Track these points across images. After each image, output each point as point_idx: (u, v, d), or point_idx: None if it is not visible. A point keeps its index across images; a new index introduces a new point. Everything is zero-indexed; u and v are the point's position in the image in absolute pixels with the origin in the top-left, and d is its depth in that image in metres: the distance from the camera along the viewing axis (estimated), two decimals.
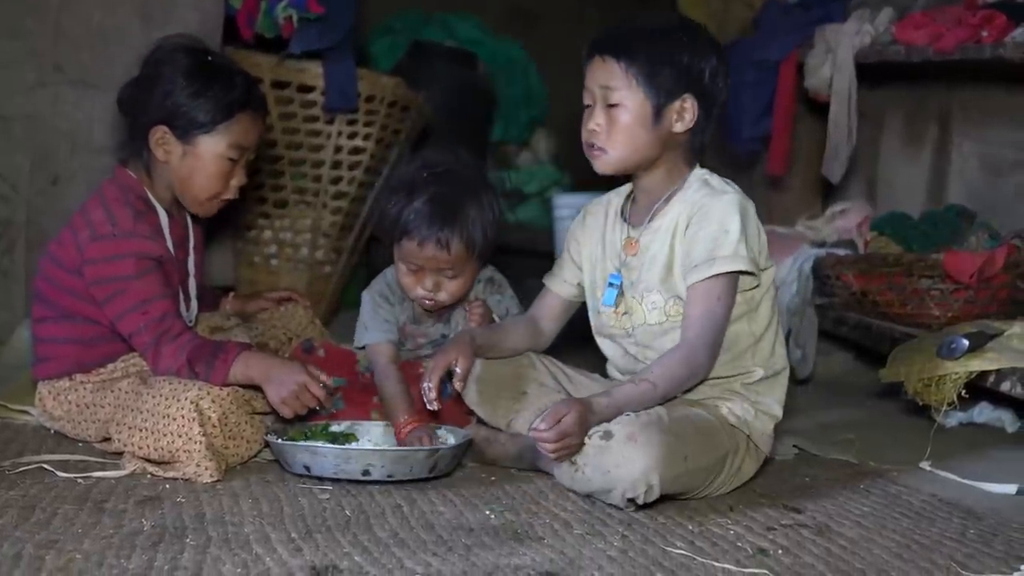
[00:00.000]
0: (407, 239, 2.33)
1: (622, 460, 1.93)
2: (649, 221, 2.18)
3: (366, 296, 2.48)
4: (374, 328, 2.43)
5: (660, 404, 2.05)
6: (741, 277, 2.09)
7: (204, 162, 2.33)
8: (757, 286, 2.14)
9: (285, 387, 2.18)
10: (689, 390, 2.11)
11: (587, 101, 2.17)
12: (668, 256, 2.13)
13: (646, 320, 2.17)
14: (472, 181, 2.38)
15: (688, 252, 2.10)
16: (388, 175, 2.43)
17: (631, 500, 1.95)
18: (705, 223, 2.09)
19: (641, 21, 2.16)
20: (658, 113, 2.11)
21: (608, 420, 1.99)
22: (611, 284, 2.21)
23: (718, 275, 2.06)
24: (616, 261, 2.22)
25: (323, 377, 2.23)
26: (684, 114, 2.12)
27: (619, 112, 2.11)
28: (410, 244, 2.33)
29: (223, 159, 2.34)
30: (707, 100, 2.13)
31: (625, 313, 2.19)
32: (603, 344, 2.27)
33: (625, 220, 2.23)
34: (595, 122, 2.13)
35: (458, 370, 2.19)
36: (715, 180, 2.16)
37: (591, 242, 2.29)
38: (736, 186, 2.16)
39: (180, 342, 2.21)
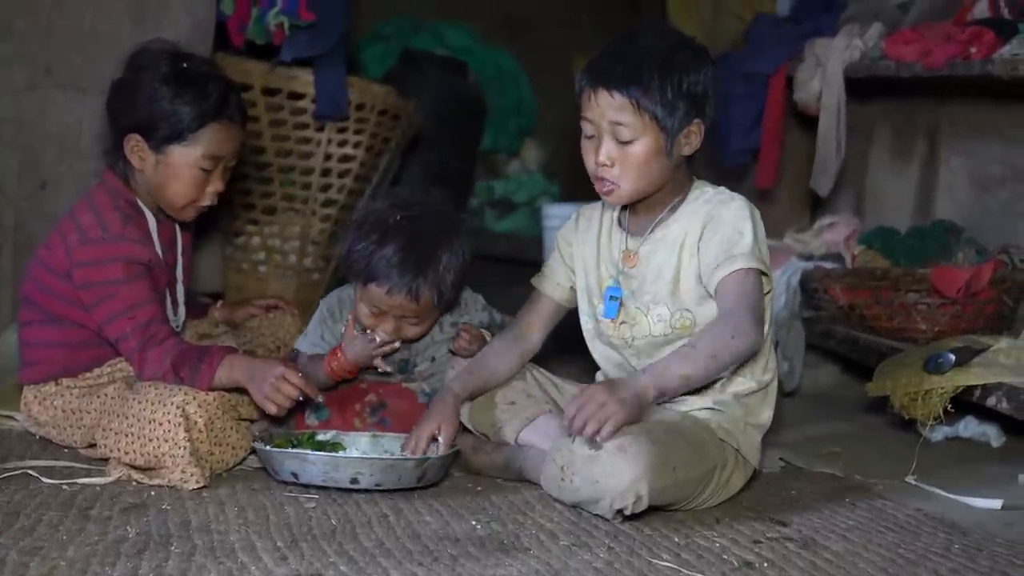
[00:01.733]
0: (375, 285, 2.28)
1: (611, 470, 1.92)
2: (651, 232, 2.17)
3: (320, 304, 2.48)
4: (310, 340, 2.44)
5: (708, 368, 2.00)
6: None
7: (177, 171, 2.32)
8: (768, 291, 2.13)
9: (266, 382, 2.17)
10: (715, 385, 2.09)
11: (589, 132, 2.10)
12: (676, 268, 2.13)
13: (650, 332, 2.15)
14: (445, 225, 2.33)
15: (704, 259, 2.09)
16: (359, 212, 2.34)
17: (619, 511, 1.95)
18: (719, 229, 2.09)
19: (642, 44, 2.09)
20: (670, 143, 2.08)
21: (644, 390, 1.96)
22: (612, 297, 2.19)
23: (748, 270, 2.05)
24: (612, 270, 2.21)
25: (296, 377, 2.18)
26: (692, 138, 2.11)
27: (632, 148, 2.07)
28: (378, 291, 2.28)
29: (196, 169, 2.32)
30: (708, 117, 2.12)
31: (624, 323, 2.18)
32: (597, 349, 2.26)
33: (623, 229, 2.22)
34: (605, 156, 2.08)
35: (441, 438, 2.17)
36: (719, 190, 2.16)
37: (584, 245, 2.27)
38: (737, 193, 2.16)
39: (165, 347, 2.20)
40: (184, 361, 2.18)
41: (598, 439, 1.93)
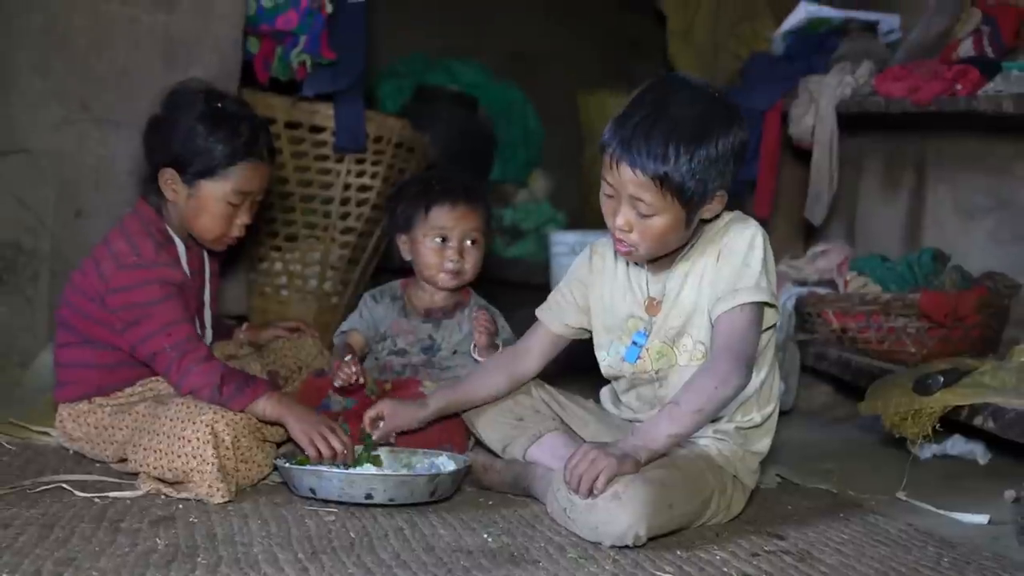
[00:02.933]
0: (437, 206, 2.51)
1: (608, 518, 1.89)
2: (672, 268, 2.10)
3: (362, 297, 2.65)
4: (350, 321, 2.59)
5: (695, 421, 1.96)
6: (764, 315, 2.04)
7: (207, 205, 2.34)
8: (773, 326, 2.08)
9: (312, 427, 2.17)
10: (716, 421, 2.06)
11: (608, 192, 2.01)
12: (695, 301, 2.07)
13: (676, 362, 2.10)
14: (473, 178, 2.64)
15: (714, 286, 2.04)
16: (395, 191, 2.69)
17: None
18: (729, 260, 2.04)
19: (672, 115, 1.94)
20: (691, 215, 2.00)
21: (635, 452, 1.93)
22: (635, 343, 2.13)
23: (743, 305, 2.00)
24: (638, 310, 2.14)
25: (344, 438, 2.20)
26: (714, 206, 2.02)
27: (651, 221, 1.98)
28: (440, 209, 2.50)
29: (224, 204, 2.34)
30: (732, 178, 2.00)
31: (639, 359, 2.13)
32: (618, 385, 2.21)
33: (642, 267, 2.13)
34: (623, 221, 1.99)
35: (381, 426, 2.24)
36: (734, 218, 2.09)
37: (602, 287, 2.19)
38: (752, 219, 2.09)
39: (213, 364, 2.21)
40: (231, 379, 2.19)
41: (595, 492, 1.90)
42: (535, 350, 2.28)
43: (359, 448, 2.23)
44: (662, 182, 1.95)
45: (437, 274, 2.52)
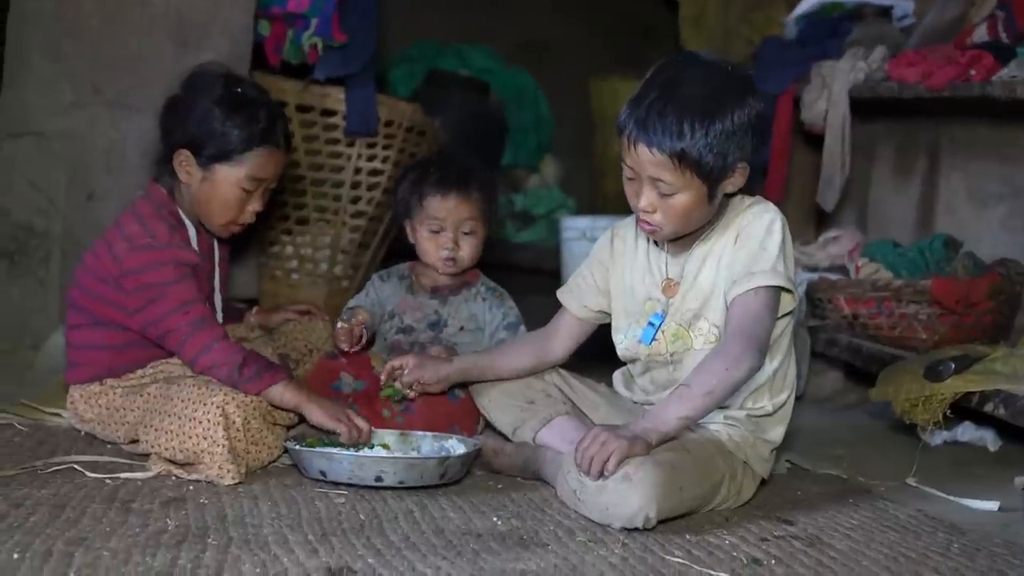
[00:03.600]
0: (430, 195, 2.50)
1: (618, 499, 1.88)
2: (691, 250, 2.10)
3: (371, 278, 2.67)
4: (355, 300, 2.61)
5: (706, 404, 1.95)
6: (781, 301, 2.02)
7: (220, 189, 2.34)
8: (790, 313, 2.06)
9: (331, 409, 2.19)
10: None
11: (629, 175, 2.02)
12: (712, 283, 2.07)
13: (692, 346, 2.09)
14: (474, 160, 2.61)
15: (730, 269, 2.04)
16: (400, 173, 2.69)
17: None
18: (746, 243, 2.03)
19: (685, 93, 1.94)
20: (713, 192, 2.00)
21: (645, 434, 1.93)
22: (651, 324, 2.12)
23: (758, 288, 1.99)
24: (656, 291, 2.14)
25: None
26: (736, 178, 2.02)
27: (673, 200, 1.99)
28: (433, 198, 2.50)
29: (238, 189, 2.34)
30: (753, 150, 2.00)
31: (655, 340, 2.12)
32: (634, 368, 2.20)
33: (662, 249, 2.13)
34: (647, 204, 2.00)
35: (407, 378, 2.28)
36: (755, 202, 2.08)
37: (622, 270, 2.19)
38: (773, 204, 2.08)
39: (231, 343, 2.22)
40: (252, 361, 2.19)
41: (605, 473, 1.90)
42: (562, 333, 2.29)
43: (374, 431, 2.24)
44: (680, 159, 1.94)
45: (435, 261, 2.54)
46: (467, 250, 2.53)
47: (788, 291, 2.03)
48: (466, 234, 2.53)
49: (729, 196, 2.07)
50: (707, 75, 1.99)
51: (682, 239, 2.10)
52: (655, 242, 2.15)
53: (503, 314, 2.53)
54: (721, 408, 2.07)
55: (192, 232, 2.38)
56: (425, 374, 2.27)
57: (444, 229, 2.51)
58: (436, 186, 2.51)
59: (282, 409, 2.21)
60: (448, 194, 2.50)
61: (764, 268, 2.00)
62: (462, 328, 2.53)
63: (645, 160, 1.97)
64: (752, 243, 2.03)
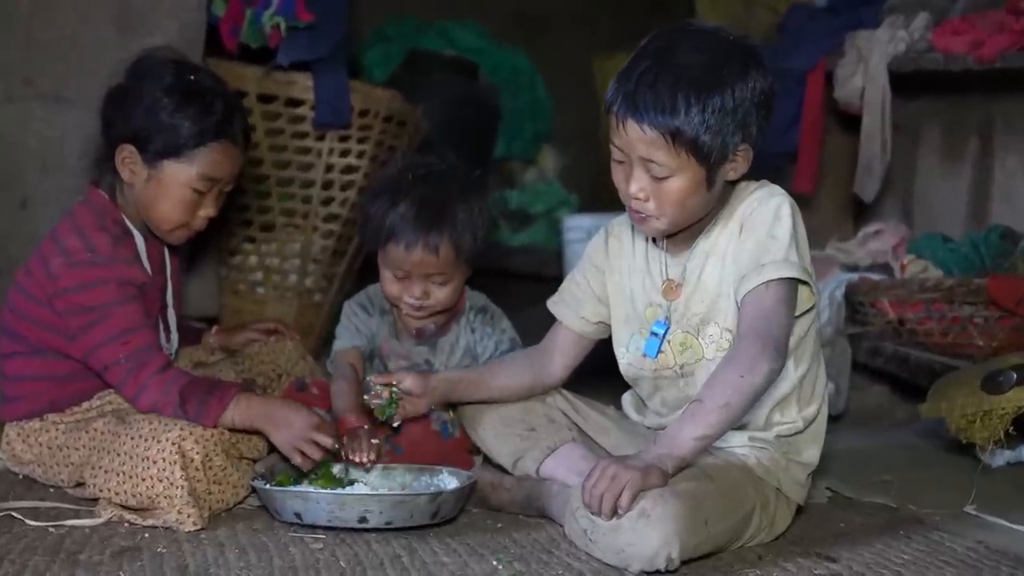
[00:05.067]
0: (393, 244, 2.43)
1: (635, 539, 1.88)
2: (693, 247, 2.11)
3: (345, 306, 2.60)
4: (343, 336, 2.55)
5: (723, 419, 1.95)
6: (798, 295, 2.02)
7: (168, 189, 2.33)
8: (812, 309, 2.06)
9: (295, 431, 2.18)
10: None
11: (618, 158, 2.03)
12: (718, 281, 2.07)
13: (703, 355, 2.10)
14: (458, 182, 2.49)
15: (737, 263, 2.04)
16: (373, 180, 2.62)
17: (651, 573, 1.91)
18: (753, 232, 2.03)
19: (679, 62, 1.95)
20: (711, 176, 2.00)
21: (660, 462, 1.93)
22: (654, 333, 2.13)
23: (770, 282, 1.99)
24: (656, 296, 2.15)
25: (330, 436, 2.20)
26: (738, 163, 2.02)
27: (667, 184, 1.99)
28: (396, 249, 2.43)
29: (188, 189, 2.34)
30: (757, 131, 2.02)
31: (660, 352, 2.13)
32: (641, 387, 2.21)
33: (661, 248, 2.15)
34: (637, 187, 2.01)
35: (400, 387, 2.26)
36: (760, 187, 2.09)
37: (620, 273, 2.20)
38: (780, 188, 2.09)
39: (168, 376, 2.21)
40: (192, 393, 2.19)
41: (619, 511, 1.89)
42: (556, 352, 2.29)
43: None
44: (673, 137, 1.96)
45: (400, 305, 2.50)
46: (438, 298, 2.48)
47: (806, 284, 2.04)
48: (437, 284, 2.47)
49: (732, 184, 2.08)
50: (705, 44, 1.99)
51: (681, 235, 2.11)
52: (653, 240, 2.16)
53: (496, 343, 2.53)
54: (744, 428, 2.07)
55: (140, 242, 2.38)
56: (408, 383, 2.26)
57: (410, 278, 2.47)
58: (399, 234, 2.42)
59: (244, 432, 2.21)
60: (412, 247, 2.42)
61: (775, 259, 2.00)
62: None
63: (635, 138, 1.97)
64: (759, 232, 2.03)
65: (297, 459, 2.18)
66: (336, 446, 2.20)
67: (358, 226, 2.58)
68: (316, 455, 2.18)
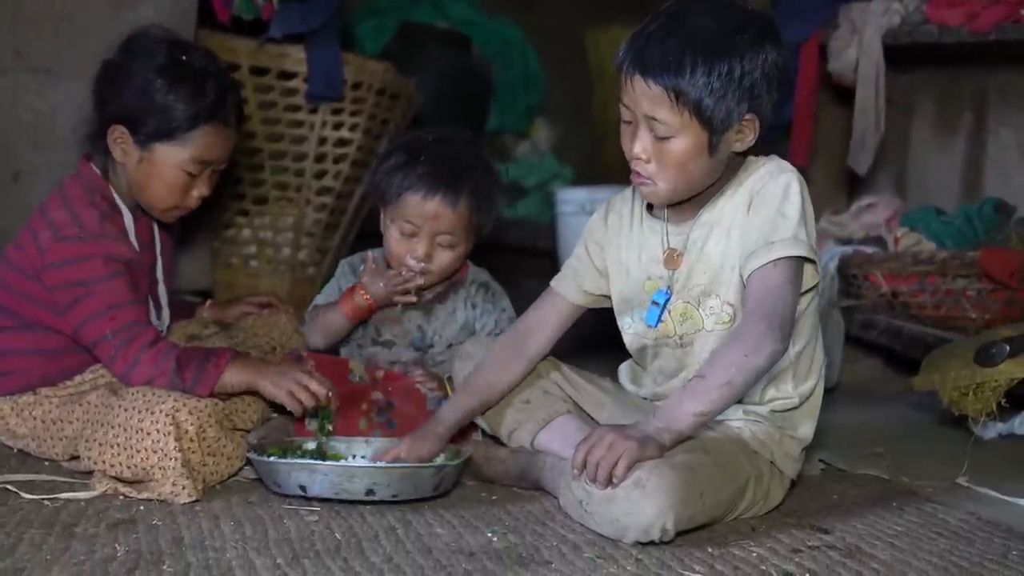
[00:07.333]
0: (411, 193, 2.41)
1: (630, 508, 1.89)
2: (697, 218, 2.10)
3: (340, 264, 2.61)
4: (328, 293, 2.57)
5: (724, 396, 1.95)
6: (804, 273, 2.03)
7: (161, 171, 2.33)
8: (815, 287, 2.07)
9: (287, 378, 2.21)
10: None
11: (626, 118, 2.03)
12: (723, 253, 2.07)
13: (703, 327, 2.10)
14: (475, 150, 2.50)
15: (743, 244, 2.03)
16: (385, 147, 2.60)
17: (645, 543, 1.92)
18: (761, 208, 2.03)
19: (691, 23, 1.97)
20: (714, 142, 2.00)
21: (660, 432, 1.94)
22: (655, 303, 2.13)
23: (778, 260, 1.99)
24: (657, 269, 2.15)
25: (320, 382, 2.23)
26: (744, 133, 2.02)
27: (669, 145, 2.00)
28: (414, 198, 2.40)
29: (181, 172, 2.33)
30: (768, 105, 2.01)
31: (661, 321, 2.13)
32: (644, 358, 2.21)
33: (662, 219, 2.14)
34: (640, 149, 2.01)
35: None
36: (769, 161, 2.09)
37: (619, 247, 2.20)
38: (789, 163, 2.08)
39: (161, 348, 2.21)
40: (188, 361, 2.19)
41: (614, 480, 1.90)
42: (549, 324, 2.27)
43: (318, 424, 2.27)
44: (677, 95, 1.96)
45: (399, 265, 2.47)
46: (441, 263, 2.46)
47: (811, 261, 2.04)
48: (444, 246, 2.46)
49: (740, 156, 2.08)
50: (722, 11, 2.01)
51: (685, 205, 2.11)
52: (651, 209, 2.16)
53: (495, 321, 2.52)
54: (740, 402, 2.08)
55: (129, 218, 2.37)
56: (423, 453, 2.18)
57: (418, 235, 2.44)
58: (419, 183, 2.40)
59: (238, 394, 2.23)
60: (431, 197, 2.40)
61: (784, 237, 2.00)
62: (451, 345, 2.52)
63: (640, 94, 1.98)
64: (768, 209, 2.03)
65: (292, 403, 2.20)
66: (329, 395, 2.22)
67: (367, 181, 2.55)
68: (308, 401, 2.20)
